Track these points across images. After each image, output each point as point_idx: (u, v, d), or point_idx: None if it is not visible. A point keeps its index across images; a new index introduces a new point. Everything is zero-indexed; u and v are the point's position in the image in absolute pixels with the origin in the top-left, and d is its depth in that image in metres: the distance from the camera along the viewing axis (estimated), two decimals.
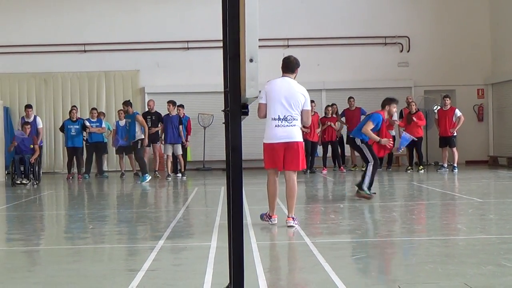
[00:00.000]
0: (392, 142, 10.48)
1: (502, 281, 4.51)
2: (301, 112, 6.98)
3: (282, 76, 7.11)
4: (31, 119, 15.31)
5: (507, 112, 18.43)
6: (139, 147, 14.61)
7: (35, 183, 14.06)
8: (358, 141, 9.62)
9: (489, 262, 5.16)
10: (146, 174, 14.09)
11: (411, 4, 19.14)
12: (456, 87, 18.73)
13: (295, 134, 6.93)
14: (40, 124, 15.57)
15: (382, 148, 9.69)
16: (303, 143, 7.25)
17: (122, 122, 15.46)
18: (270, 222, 6.89)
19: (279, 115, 6.85)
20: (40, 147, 15.17)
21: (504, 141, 18.63)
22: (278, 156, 6.92)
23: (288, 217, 7.08)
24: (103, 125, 16.57)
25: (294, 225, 6.99)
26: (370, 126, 9.37)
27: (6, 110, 17.60)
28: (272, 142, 6.92)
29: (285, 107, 6.85)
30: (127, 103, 15.08)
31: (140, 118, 14.70)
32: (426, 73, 18.79)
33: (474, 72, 19.06)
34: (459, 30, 19.07)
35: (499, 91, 18.97)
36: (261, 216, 7.19)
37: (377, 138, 9.49)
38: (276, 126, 6.87)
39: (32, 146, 14.48)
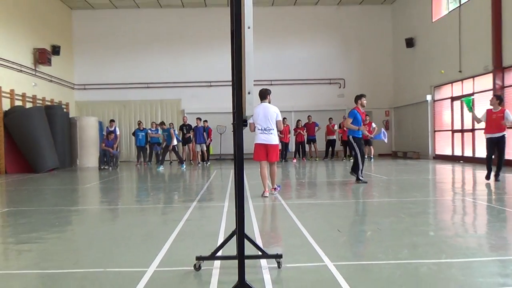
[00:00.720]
0: (367, 129, 9.65)
1: (401, 226, 4.53)
2: (276, 122, 6.92)
3: (261, 102, 6.95)
4: (113, 128, 15.24)
5: (402, 125, 18.64)
6: (176, 149, 14.48)
7: (113, 168, 14.05)
8: (350, 138, 8.37)
9: (392, 215, 5.18)
10: (183, 164, 13.98)
11: (346, 60, 19.20)
12: (372, 109, 18.79)
13: (273, 139, 6.86)
14: (118, 132, 15.51)
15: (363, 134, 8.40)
16: (278, 144, 7.15)
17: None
18: (263, 195, 6.86)
19: (262, 127, 6.81)
20: (117, 147, 15.23)
21: (400, 142, 18.81)
22: (262, 152, 6.87)
23: (272, 188, 7.08)
24: (159, 132, 16.52)
25: (275, 193, 7.00)
26: (349, 121, 8.25)
27: (100, 123, 17.53)
28: (259, 143, 6.88)
29: (265, 122, 6.79)
30: (161, 124, 14.77)
31: (172, 131, 14.14)
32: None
33: (383, 100, 19.21)
34: (374, 74, 19.18)
35: (398, 112, 19.09)
36: (262, 194, 6.94)
37: (356, 128, 8.27)
38: (260, 133, 6.84)
39: (114, 145, 14.61)
